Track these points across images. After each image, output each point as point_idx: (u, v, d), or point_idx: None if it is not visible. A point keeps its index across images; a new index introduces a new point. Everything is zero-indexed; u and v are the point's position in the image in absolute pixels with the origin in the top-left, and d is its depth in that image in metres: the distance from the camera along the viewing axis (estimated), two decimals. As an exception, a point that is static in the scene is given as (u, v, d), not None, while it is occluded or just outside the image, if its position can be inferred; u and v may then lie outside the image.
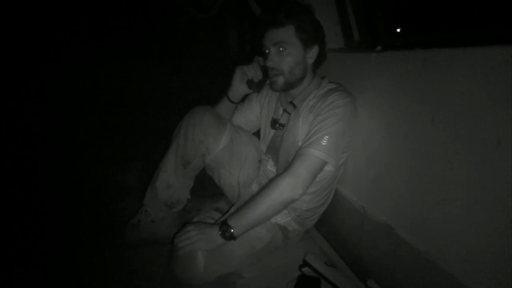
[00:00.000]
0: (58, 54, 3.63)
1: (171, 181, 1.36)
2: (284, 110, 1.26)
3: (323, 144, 1.06)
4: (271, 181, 1.11)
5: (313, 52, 1.18)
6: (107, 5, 3.74)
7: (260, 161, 1.40)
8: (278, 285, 1.15)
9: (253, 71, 1.27)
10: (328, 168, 1.12)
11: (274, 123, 1.29)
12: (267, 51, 1.17)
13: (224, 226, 1.08)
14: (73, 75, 3.60)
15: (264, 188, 1.11)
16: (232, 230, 1.08)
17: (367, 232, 1.18)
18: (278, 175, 1.12)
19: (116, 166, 2.24)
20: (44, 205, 1.69)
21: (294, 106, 1.23)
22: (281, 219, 1.26)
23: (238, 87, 1.34)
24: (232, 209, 1.28)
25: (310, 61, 1.19)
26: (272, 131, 1.32)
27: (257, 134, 1.46)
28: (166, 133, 1.41)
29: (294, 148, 1.19)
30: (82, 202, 1.74)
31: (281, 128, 1.26)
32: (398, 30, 1.39)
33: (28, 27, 3.48)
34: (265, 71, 1.22)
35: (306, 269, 1.16)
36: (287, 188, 1.07)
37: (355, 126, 1.16)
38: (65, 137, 2.76)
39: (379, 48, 1.20)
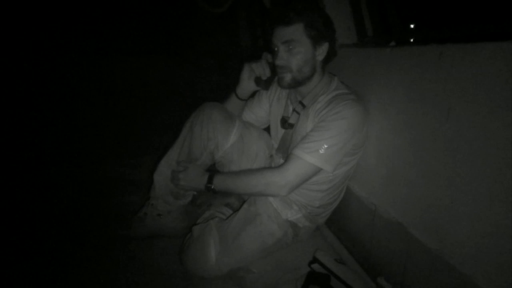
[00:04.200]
0: (68, 48, 3.66)
1: None
2: (294, 110, 1.24)
3: (321, 152, 1.06)
4: (266, 169, 1.19)
5: (323, 49, 1.15)
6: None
7: (271, 156, 1.40)
8: (288, 281, 1.15)
9: (261, 69, 1.26)
10: (325, 173, 1.13)
11: (284, 122, 1.28)
12: (276, 49, 1.15)
13: (208, 184, 1.19)
14: (84, 70, 3.63)
15: (257, 172, 1.18)
16: (212, 187, 1.18)
17: (378, 230, 1.17)
18: (273, 168, 1.16)
19: (125, 161, 2.27)
20: (53, 200, 1.71)
21: (303, 106, 1.21)
22: (292, 215, 1.25)
23: (246, 84, 1.33)
24: (245, 205, 1.29)
25: (320, 58, 1.16)
26: (282, 130, 1.31)
27: (266, 129, 1.46)
28: (175, 128, 1.41)
29: None
30: (91, 196, 1.77)
31: (291, 127, 1.25)
32: (412, 25, 1.36)
33: (34, 20, 3.51)
34: (274, 68, 1.21)
35: (316, 266, 1.16)
36: (274, 187, 1.11)
37: (365, 131, 1.15)
38: (74, 132, 2.79)
39: (393, 43, 1.18)
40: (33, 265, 1.25)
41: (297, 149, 1.09)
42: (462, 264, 0.82)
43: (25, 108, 3.05)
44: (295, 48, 1.11)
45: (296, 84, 1.17)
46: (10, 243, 1.36)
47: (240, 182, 1.17)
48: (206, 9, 2.06)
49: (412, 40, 1.27)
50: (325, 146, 1.05)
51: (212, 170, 1.23)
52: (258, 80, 1.28)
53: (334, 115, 1.08)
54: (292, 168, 1.09)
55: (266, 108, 1.43)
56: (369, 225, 1.21)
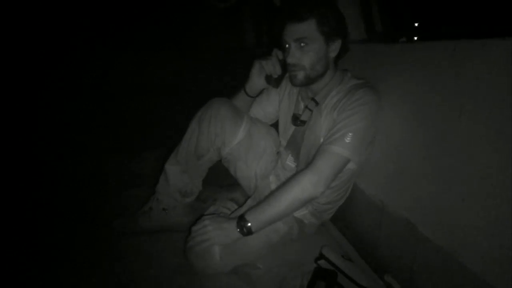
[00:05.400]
0: (74, 45, 3.66)
1: (183, 172, 1.37)
2: (306, 107, 1.22)
3: (347, 141, 1.03)
4: (292, 177, 1.09)
5: (336, 45, 1.13)
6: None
7: (278, 153, 1.39)
8: (294, 277, 1.14)
9: (271, 67, 1.23)
10: (351, 166, 1.11)
11: (295, 119, 1.25)
12: (287, 46, 1.13)
13: (242, 221, 1.07)
14: (89, 66, 3.63)
15: (284, 184, 1.09)
16: (249, 225, 1.06)
17: (386, 227, 1.16)
18: (299, 172, 1.09)
19: (131, 155, 2.26)
20: (56, 195, 1.72)
21: (316, 103, 1.19)
22: (298, 212, 1.24)
23: (256, 82, 1.31)
24: (249, 201, 1.27)
25: (333, 54, 1.14)
26: (293, 127, 1.29)
27: (273, 125, 1.45)
28: (181, 123, 1.41)
29: (316, 145, 1.17)
30: (97, 191, 1.77)
31: (303, 124, 1.24)
32: (423, 21, 1.35)
33: (43, 17, 3.50)
34: (284, 65, 1.19)
35: (322, 262, 1.15)
36: (309, 185, 1.05)
37: (378, 122, 1.13)
38: (80, 127, 2.79)
39: (403, 39, 1.17)
40: (35, 260, 1.25)
41: (324, 144, 1.07)
42: (473, 263, 0.81)
43: (29, 104, 3.06)
44: (308, 45, 1.09)
45: (309, 81, 1.16)
46: (11, 238, 1.36)
47: (276, 202, 1.07)
48: (212, 3, 2.05)
49: (422, 36, 1.26)
50: (350, 134, 1.03)
51: (239, 216, 1.09)
52: (268, 78, 1.26)
53: (354, 103, 1.06)
54: (320, 161, 1.05)
55: (275, 104, 1.41)
56: (376, 222, 1.20)
